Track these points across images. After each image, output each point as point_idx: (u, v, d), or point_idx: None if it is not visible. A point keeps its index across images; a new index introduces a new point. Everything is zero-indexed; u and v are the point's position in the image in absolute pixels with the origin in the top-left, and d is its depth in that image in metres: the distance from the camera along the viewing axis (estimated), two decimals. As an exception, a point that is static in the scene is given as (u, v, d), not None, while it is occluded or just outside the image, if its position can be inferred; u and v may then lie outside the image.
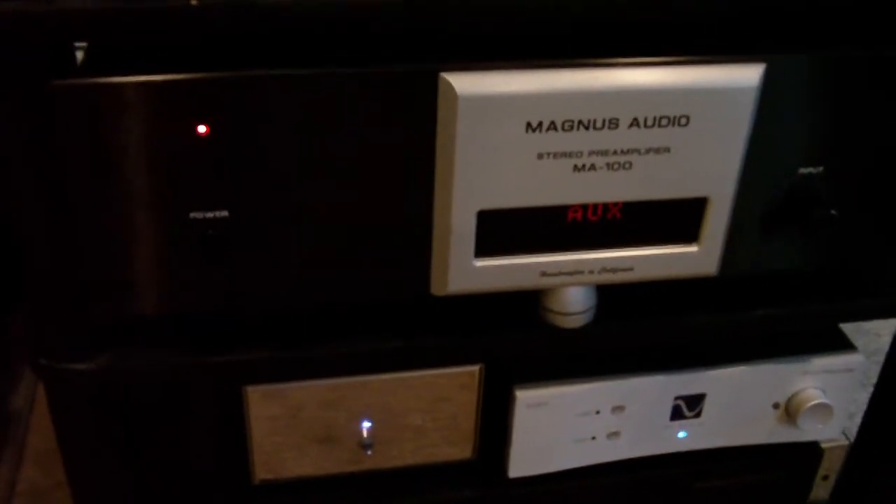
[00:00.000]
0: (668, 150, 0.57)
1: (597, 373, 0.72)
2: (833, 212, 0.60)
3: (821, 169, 0.61)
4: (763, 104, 0.57)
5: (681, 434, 0.76)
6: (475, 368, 0.71)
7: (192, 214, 0.55)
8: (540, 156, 0.55)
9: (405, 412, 0.72)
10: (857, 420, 0.87)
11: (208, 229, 0.55)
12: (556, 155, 0.55)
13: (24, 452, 1.05)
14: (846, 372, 0.76)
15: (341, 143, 0.54)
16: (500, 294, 0.62)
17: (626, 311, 0.67)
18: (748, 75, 0.56)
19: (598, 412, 0.73)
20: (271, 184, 0.55)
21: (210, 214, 0.55)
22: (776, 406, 0.77)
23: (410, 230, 0.58)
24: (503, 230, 0.58)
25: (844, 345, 0.78)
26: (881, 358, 0.83)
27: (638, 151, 0.56)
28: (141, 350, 0.62)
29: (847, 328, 0.81)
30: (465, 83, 0.52)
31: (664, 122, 0.56)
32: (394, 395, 0.71)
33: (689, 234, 0.61)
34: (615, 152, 0.56)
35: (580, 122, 0.55)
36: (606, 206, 0.59)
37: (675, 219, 0.60)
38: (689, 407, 0.75)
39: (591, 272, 0.61)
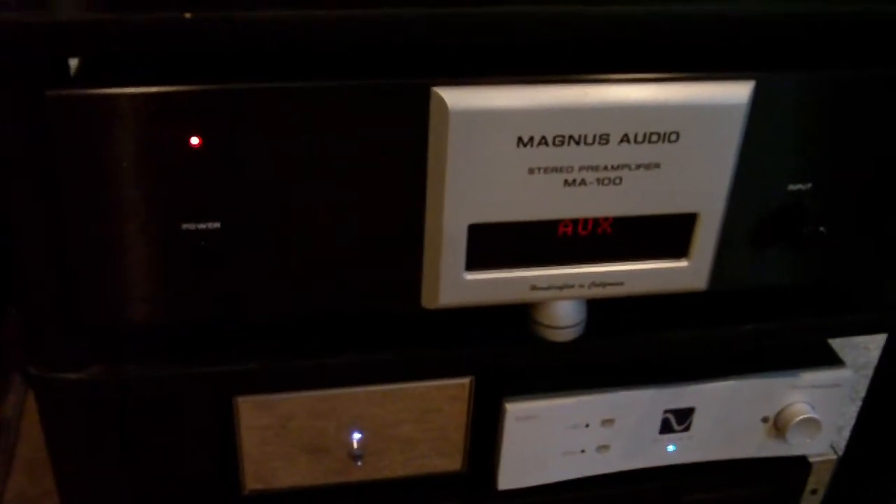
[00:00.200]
0: (658, 165, 0.57)
1: (587, 386, 0.73)
2: (821, 228, 0.61)
3: (809, 186, 0.61)
4: (752, 121, 0.57)
5: (670, 447, 0.77)
6: (465, 381, 0.71)
7: (185, 225, 0.55)
8: (531, 170, 0.56)
9: (396, 423, 0.72)
10: (846, 434, 0.87)
11: (200, 240, 0.55)
12: (546, 170, 0.56)
13: (14, 461, 1.05)
14: (834, 387, 0.77)
15: (333, 156, 0.54)
16: (490, 307, 0.62)
17: (615, 325, 0.67)
18: (738, 92, 0.56)
19: (587, 425, 0.73)
20: (263, 196, 0.55)
21: (202, 226, 0.55)
22: (765, 420, 0.77)
23: (401, 243, 0.58)
24: (494, 244, 0.58)
25: (833, 360, 0.78)
26: (870, 372, 0.83)
27: (628, 167, 0.57)
28: (133, 360, 0.62)
29: (836, 342, 0.81)
30: (456, 97, 0.53)
31: (654, 137, 0.56)
32: (384, 406, 0.71)
33: (678, 249, 0.61)
34: (606, 167, 0.56)
35: (571, 137, 0.55)
36: (597, 221, 0.59)
37: (664, 234, 0.60)
38: (678, 420, 0.75)
39: (581, 286, 0.61)
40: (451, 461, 0.76)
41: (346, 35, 0.52)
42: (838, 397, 0.77)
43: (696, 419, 0.76)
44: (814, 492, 0.84)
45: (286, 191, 0.55)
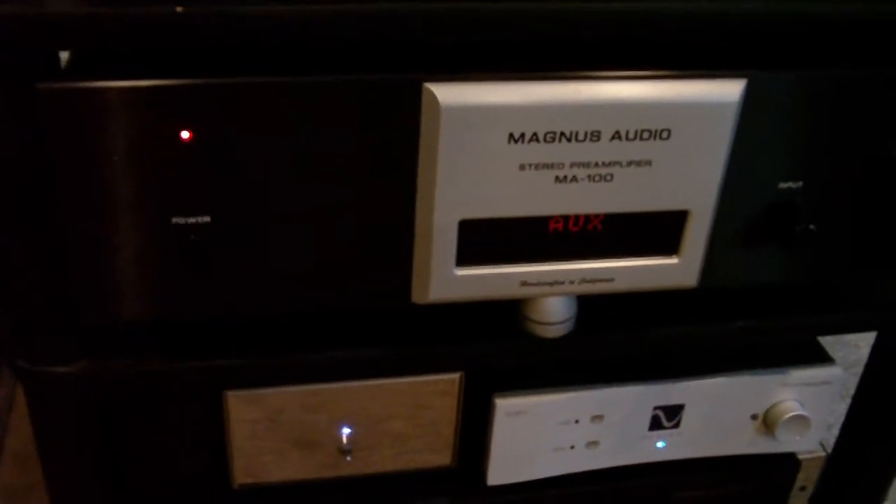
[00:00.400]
0: (649, 163, 0.57)
1: (576, 382, 0.73)
2: (812, 227, 0.61)
3: (800, 184, 0.61)
4: (744, 119, 0.57)
5: (659, 444, 0.77)
6: (455, 376, 0.71)
7: (175, 220, 0.55)
8: (522, 167, 0.56)
9: (386, 418, 0.72)
10: (836, 431, 0.87)
11: (190, 234, 0.55)
12: (538, 166, 0.56)
13: (2, 453, 1.04)
14: (824, 384, 0.77)
15: (324, 151, 0.54)
16: (481, 303, 0.62)
17: (606, 322, 0.67)
18: (730, 90, 0.56)
19: (577, 421, 0.74)
20: (254, 190, 0.55)
21: (192, 220, 0.55)
22: (754, 417, 0.77)
23: (392, 238, 0.58)
24: (484, 240, 0.58)
25: (822, 357, 0.79)
26: (860, 369, 0.83)
27: (619, 164, 0.57)
28: (122, 354, 0.62)
29: (827, 340, 0.82)
30: (448, 93, 0.53)
31: (646, 135, 0.56)
32: (374, 400, 0.71)
33: (669, 246, 0.61)
34: (597, 164, 0.57)
35: (562, 133, 0.55)
36: (587, 218, 0.59)
37: (655, 231, 0.61)
38: (667, 417, 0.75)
39: (572, 283, 0.61)
40: (441, 456, 0.76)
41: (339, 30, 0.51)
42: (828, 395, 0.78)
43: (686, 416, 0.76)
44: (803, 489, 0.84)
45: (276, 186, 0.55)
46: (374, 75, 0.53)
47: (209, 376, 0.65)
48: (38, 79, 0.50)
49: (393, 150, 0.55)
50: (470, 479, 0.76)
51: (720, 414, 0.76)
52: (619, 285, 0.62)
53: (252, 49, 0.53)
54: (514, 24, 0.53)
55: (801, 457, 0.83)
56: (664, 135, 0.56)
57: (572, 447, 0.75)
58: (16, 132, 0.52)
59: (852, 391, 0.85)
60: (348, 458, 0.73)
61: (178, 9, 0.48)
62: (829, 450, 0.85)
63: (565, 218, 0.59)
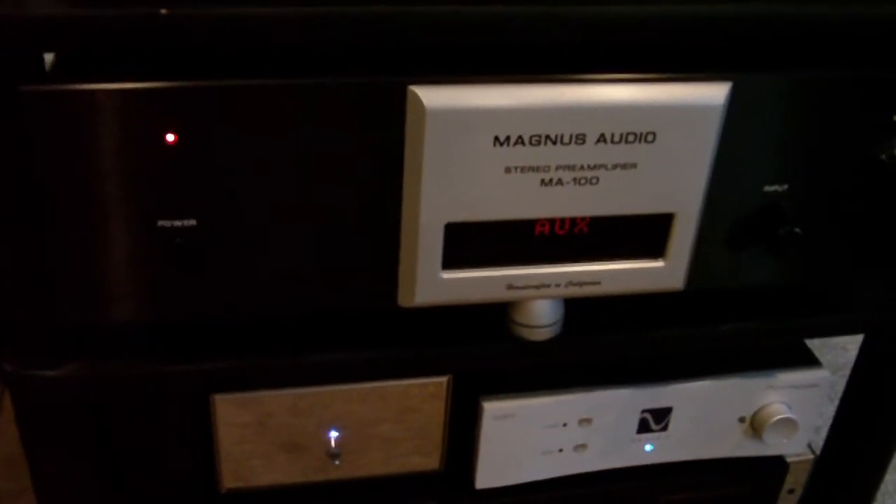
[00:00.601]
0: (634, 166, 0.57)
1: (564, 385, 0.73)
2: (797, 230, 0.61)
3: (786, 187, 0.61)
4: (729, 122, 0.57)
5: (647, 447, 0.77)
6: (443, 379, 0.71)
7: (161, 222, 0.55)
8: (507, 169, 0.56)
9: (374, 422, 0.72)
10: (825, 434, 0.87)
11: (176, 237, 0.55)
12: (523, 169, 0.56)
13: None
14: (811, 387, 0.77)
15: (309, 154, 0.54)
16: (468, 306, 0.62)
17: (593, 325, 0.67)
18: (715, 93, 0.56)
19: (565, 424, 0.74)
20: (239, 193, 0.55)
21: (178, 223, 0.55)
22: (742, 420, 0.78)
23: (378, 241, 0.58)
24: (470, 243, 0.58)
25: (810, 360, 0.79)
26: (849, 372, 0.84)
27: (605, 167, 0.57)
28: (108, 358, 0.62)
29: (816, 342, 0.82)
30: (433, 96, 0.53)
31: (631, 138, 0.56)
32: (363, 404, 0.71)
33: (655, 249, 0.61)
34: (582, 167, 0.57)
35: (548, 136, 0.55)
36: (573, 221, 0.59)
37: (641, 234, 0.61)
38: (655, 420, 0.76)
39: (558, 286, 0.61)
40: (429, 460, 0.76)
41: (324, 33, 0.52)
42: (815, 398, 0.78)
43: (674, 419, 0.76)
44: (791, 491, 0.84)
45: (262, 189, 0.55)
46: (359, 78, 0.53)
47: (197, 380, 0.65)
48: (22, 81, 0.49)
49: (378, 154, 0.55)
50: (458, 483, 0.76)
51: (708, 417, 0.77)
52: (606, 288, 0.62)
53: (237, 52, 0.53)
54: (499, 28, 0.53)
55: (789, 459, 0.83)
56: (649, 138, 0.56)
57: (560, 450, 0.75)
58: (0, 134, 0.52)
59: (841, 393, 0.85)
60: (336, 462, 0.73)
61: (163, 11, 0.48)
62: (818, 452, 0.85)
63: (551, 221, 0.59)
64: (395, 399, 0.71)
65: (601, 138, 0.56)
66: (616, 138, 0.56)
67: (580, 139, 0.55)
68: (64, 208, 0.53)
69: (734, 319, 0.70)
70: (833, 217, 0.64)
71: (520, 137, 0.55)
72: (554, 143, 0.55)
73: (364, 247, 0.58)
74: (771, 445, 0.79)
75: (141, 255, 0.56)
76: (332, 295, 0.60)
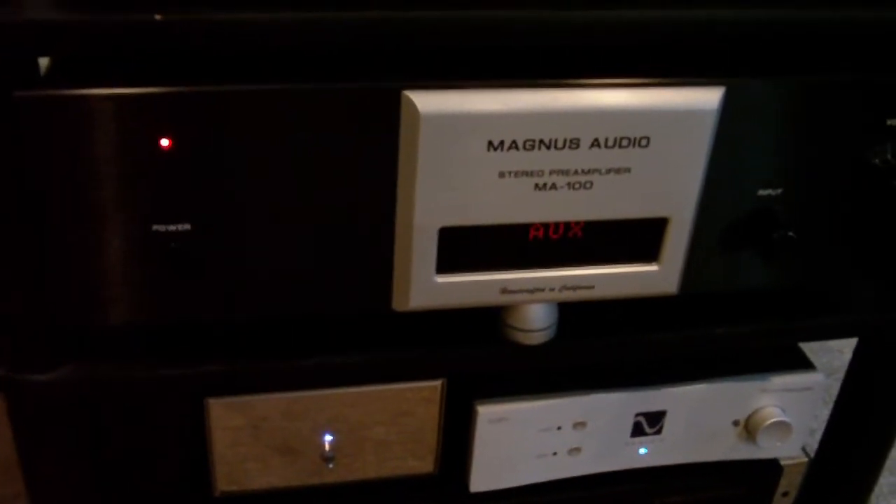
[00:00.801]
0: (628, 170, 0.57)
1: (558, 389, 0.73)
2: (791, 234, 0.61)
3: (780, 191, 0.61)
4: (723, 127, 0.57)
5: (641, 450, 0.77)
6: (437, 383, 0.71)
7: (155, 227, 0.55)
8: (501, 174, 0.56)
9: (368, 425, 0.72)
10: (819, 436, 0.87)
11: (171, 242, 0.55)
12: (517, 174, 0.56)
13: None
14: (805, 390, 0.77)
15: (303, 159, 0.54)
16: (462, 310, 0.62)
17: (587, 329, 0.67)
18: (708, 98, 0.56)
19: (559, 428, 0.74)
20: (234, 197, 0.55)
21: (173, 227, 0.55)
22: (736, 423, 0.78)
23: (372, 246, 0.58)
24: (465, 247, 0.58)
25: (804, 363, 0.79)
26: (843, 375, 0.84)
27: (599, 171, 0.57)
28: (102, 362, 0.62)
29: (811, 345, 0.82)
30: (427, 101, 0.53)
31: (625, 142, 0.56)
32: (357, 407, 0.71)
33: (649, 253, 0.62)
34: (576, 172, 0.57)
35: (541, 141, 0.55)
36: (568, 225, 0.59)
37: (635, 238, 0.61)
38: (649, 423, 0.76)
39: (552, 290, 0.61)
40: (423, 463, 0.76)
41: (318, 38, 0.52)
42: (809, 401, 0.78)
43: (668, 422, 0.76)
44: (785, 494, 0.85)
45: (257, 193, 0.55)
46: (354, 83, 0.53)
47: (191, 383, 0.64)
48: (16, 86, 0.49)
49: (372, 158, 0.55)
50: (453, 487, 0.76)
51: (702, 420, 0.77)
52: (600, 292, 0.62)
53: (232, 57, 0.53)
54: (494, 33, 0.53)
55: (783, 462, 0.83)
56: (643, 142, 0.56)
57: (555, 454, 0.75)
58: (-5, 139, 0.52)
59: (835, 396, 0.85)
60: (331, 466, 0.73)
61: (157, 16, 0.49)
62: (812, 455, 0.85)
63: (545, 225, 0.59)
64: (389, 402, 0.71)
65: (595, 143, 0.56)
66: (610, 143, 0.56)
67: (574, 144, 0.56)
68: (59, 212, 0.53)
69: (728, 323, 0.70)
70: (827, 221, 0.64)
71: (513, 142, 0.55)
72: (548, 147, 0.55)
73: (358, 251, 0.58)
74: (765, 449, 0.79)
75: (135, 259, 0.56)
76: (327, 299, 0.60)
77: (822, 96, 0.59)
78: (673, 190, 0.59)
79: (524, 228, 0.59)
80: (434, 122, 0.53)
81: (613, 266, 0.62)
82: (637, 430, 0.76)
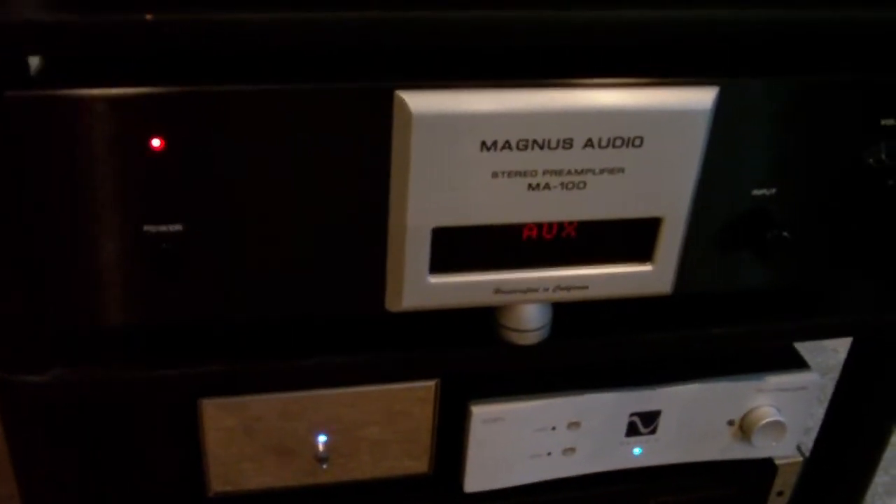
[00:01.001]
0: (622, 170, 0.57)
1: (552, 389, 0.73)
2: (785, 234, 0.61)
3: (774, 191, 0.61)
4: (716, 126, 0.57)
5: (636, 450, 0.77)
6: (431, 383, 0.71)
7: (147, 228, 0.54)
8: (495, 174, 0.56)
9: (363, 425, 0.72)
10: (814, 436, 0.87)
11: (162, 243, 0.55)
12: (510, 174, 0.56)
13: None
14: (800, 390, 0.77)
15: (296, 159, 0.54)
16: (456, 310, 0.62)
17: (581, 329, 0.67)
18: (702, 98, 0.56)
19: (553, 428, 0.74)
20: (226, 198, 0.55)
21: (164, 228, 0.55)
22: (731, 423, 0.78)
23: (365, 246, 0.58)
24: (458, 247, 0.58)
25: (798, 363, 0.79)
26: (838, 374, 0.84)
27: (592, 171, 0.57)
28: (95, 362, 0.61)
29: (806, 345, 0.82)
30: (420, 102, 0.53)
31: (618, 142, 0.56)
32: (351, 408, 0.71)
33: (643, 253, 0.61)
34: (570, 172, 0.57)
35: (535, 141, 0.55)
36: (561, 225, 0.59)
37: (629, 238, 0.61)
38: (644, 423, 0.76)
39: (546, 290, 0.61)
40: (418, 463, 0.76)
41: (311, 38, 0.51)
42: (804, 400, 0.78)
43: (662, 422, 0.76)
44: (780, 494, 0.85)
45: (249, 194, 0.55)
46: (346, 83, 0.53)
47: (184, 383, 0.64)
48: (6, 86, 0.49)
49: (365, 159, 0.55)
50: (447, 487, 0.76)
51: (696, 420, 0.77)
52: (594, 292, 0.62)
53: (223, 57, 0.53)
54: (493, 33, 0.53)
55: (778, 462, 0.83)
56: (637, 142, 0.56)
57: (549, 454, 0.75)
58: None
59: (830, 396, 0.85)
60: (325, 466, 0.73)
61: (148, 16, 0.48)
62: (807, 454, 0.85)
63: (539, 225, 0.59)
64: (383, 403, 0.71)
65: (588, 143, 0.56)
66: (603, 143, 0.56)
67: (567, 144, 0.55)
68: (49, 213, 0.53)
69: (723, 323, 0.70)
70: (821, 221, 0.64)
71: (507, 142, 0.55)
72: (541, 147, 0.55)
73: (351, 251, 0.58)
74: (760, 448, 0.79)
75: (127, 260, 0.55)
76: (320, 299, 0.59)
77: (816, 96, 0.59)
78: (667, 190, 0.59)
79: (518, 228, 0.59)
80: (426, 122, 0.53)
81: (607, 266, 0.61)
82: (632, 430, 0.76)
